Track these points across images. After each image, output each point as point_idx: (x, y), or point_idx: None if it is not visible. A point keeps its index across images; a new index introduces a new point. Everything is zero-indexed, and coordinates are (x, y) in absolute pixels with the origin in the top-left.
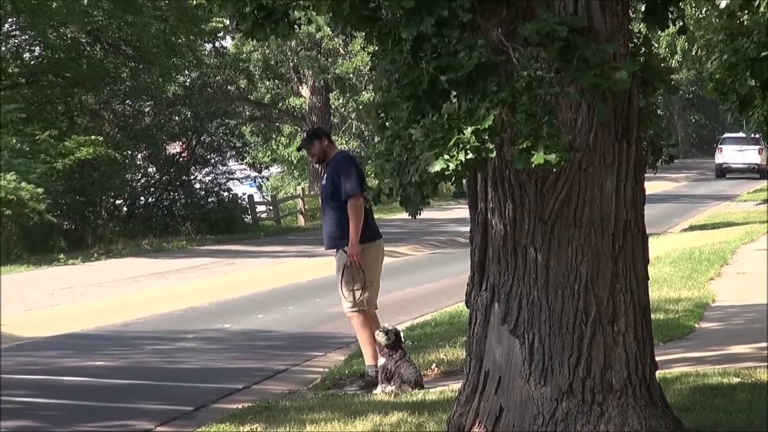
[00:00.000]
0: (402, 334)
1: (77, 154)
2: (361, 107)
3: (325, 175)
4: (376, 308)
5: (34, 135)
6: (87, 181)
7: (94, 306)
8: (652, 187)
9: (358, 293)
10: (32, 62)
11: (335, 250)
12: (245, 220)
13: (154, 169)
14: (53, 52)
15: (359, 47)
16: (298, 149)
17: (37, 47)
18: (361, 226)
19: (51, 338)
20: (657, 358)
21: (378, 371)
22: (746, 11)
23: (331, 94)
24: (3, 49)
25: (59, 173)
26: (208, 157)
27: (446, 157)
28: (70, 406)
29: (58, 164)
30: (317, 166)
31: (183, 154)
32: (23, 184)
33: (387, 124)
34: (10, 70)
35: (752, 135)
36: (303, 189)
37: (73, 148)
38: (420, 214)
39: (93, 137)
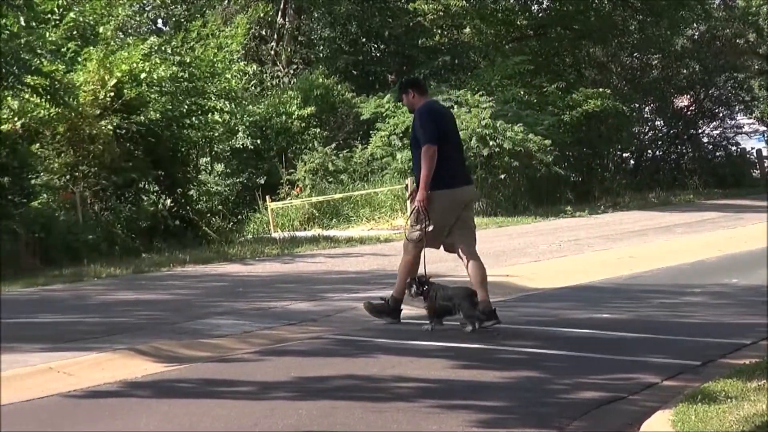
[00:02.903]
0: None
1: (585, 107)
2: None
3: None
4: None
5: (541, 87)
6: (594, 134)
7: (600, 258)
8: None
9: (417, 233)
10: (540, 15)
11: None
12: (753, 174)
13: (662, 122)
14: (561, 5)
15: None
16: (396, 101)
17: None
18: (430, 173)
19: (557, 290)
20: None
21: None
22: None
23: None
24: (512, 1)
25: (566, 125)
26: (716, 110)
27: None
28: (575, 358)
29: (565, 116)
30: None
31: (690, 108)
32: (531, 135)
33: None
34: (518, 23)
35: None
36: None
37: (580, 101)
38: None
39: (600, 90)
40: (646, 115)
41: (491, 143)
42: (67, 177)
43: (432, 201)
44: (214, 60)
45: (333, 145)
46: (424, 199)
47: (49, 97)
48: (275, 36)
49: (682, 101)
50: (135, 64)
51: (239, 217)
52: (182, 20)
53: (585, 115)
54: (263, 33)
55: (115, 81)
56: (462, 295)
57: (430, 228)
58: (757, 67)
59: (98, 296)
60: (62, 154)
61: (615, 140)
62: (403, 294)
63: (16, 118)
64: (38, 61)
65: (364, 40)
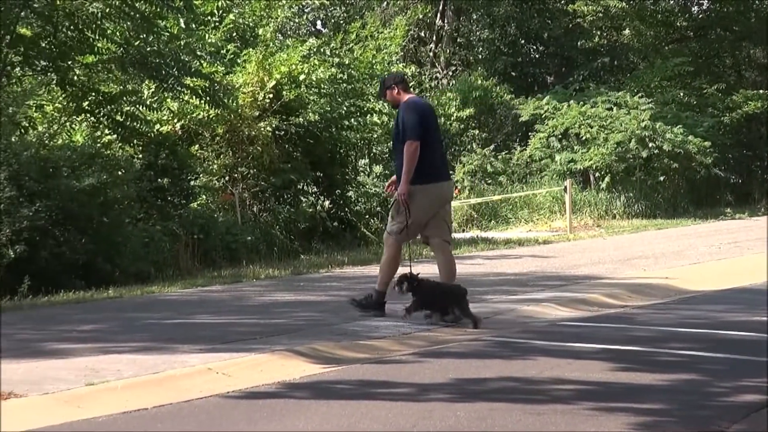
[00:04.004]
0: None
1: (745, 108)
2: None
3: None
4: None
5: (701, 88)
6: (755, 136)
7: (760, 261)
8: None
9: (397, 226)
10: (700, 16)
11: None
12: None
13: None
14: (721, 6)
15: None
16: (378, 99)
17: (706, 1)
18: (412, 168)
19: (717, 292)
20: None
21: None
22: None
23: None
24: (672, 2)
25: (726, 127)
26: None
27: None
28: (734, 361)
29: (725, 118)
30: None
31: None
32: (690, 137)
33: None
34: (678, 24)
35: None
36: None
37: (740, 102)
38: None
39: (761, 91)
40: None
41: (650, 145)
42: (226, 178)
43: (414, 195)
44: (373, 62)
45: (491, 147)
46: (406, 192)
47: (208, 98)
48: (434, 38)
49: None
50: (294, 66)
51: None
52: (341, 22)
53: (745, 117)
54: (422, 35)
55: (274, 83)
56: (457, 294)
57: (404, 220)
58: None
59: (257, 297)
60: (221, 156)
61: None
62: (386, 288)
63: (175, 120)
64: (198, 63)
65: (522, 41)
